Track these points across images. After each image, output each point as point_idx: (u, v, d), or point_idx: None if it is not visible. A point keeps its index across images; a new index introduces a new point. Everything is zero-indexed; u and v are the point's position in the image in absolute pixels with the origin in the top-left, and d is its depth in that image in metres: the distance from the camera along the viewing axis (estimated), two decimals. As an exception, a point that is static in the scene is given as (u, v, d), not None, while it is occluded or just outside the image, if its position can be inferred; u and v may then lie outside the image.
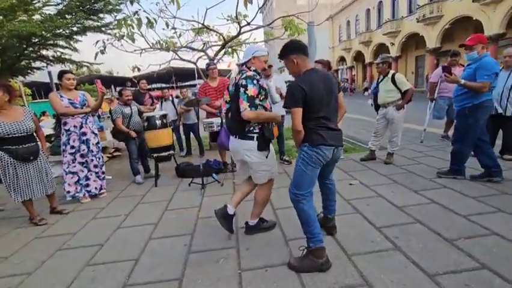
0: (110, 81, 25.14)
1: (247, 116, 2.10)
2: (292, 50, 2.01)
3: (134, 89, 6.34)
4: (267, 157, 2.27)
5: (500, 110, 3.92)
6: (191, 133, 5.85)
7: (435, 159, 4.30)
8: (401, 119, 4.18)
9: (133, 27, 5.47)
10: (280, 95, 4.06)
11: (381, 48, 24.46)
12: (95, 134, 3.80)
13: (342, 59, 34.17)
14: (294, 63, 2.00)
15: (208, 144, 6.08)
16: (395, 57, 22.50)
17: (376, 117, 4.45)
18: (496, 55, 14.29)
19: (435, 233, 2.30)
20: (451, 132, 4.64)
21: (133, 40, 5.54)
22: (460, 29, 17.01)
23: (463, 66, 4.51)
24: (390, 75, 4.11)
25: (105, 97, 6.38)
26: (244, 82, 2.13)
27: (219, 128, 4.01)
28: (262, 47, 2.32)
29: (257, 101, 2.15)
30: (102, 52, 6.05)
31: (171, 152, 4.30)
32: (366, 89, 22.68)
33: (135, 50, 6.64)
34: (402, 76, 4.17)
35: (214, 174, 4.05)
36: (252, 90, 2.10)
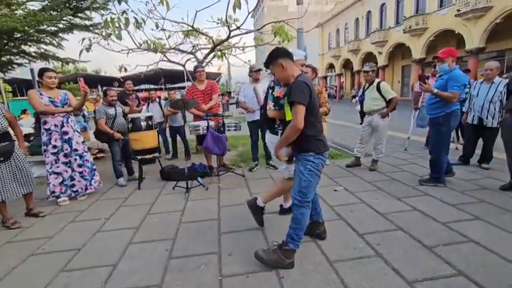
0: (96, 80, 24.64)
1: (270, 114, 2.32)
2: (279, 55, 2.04)
3: (120, 89, 6.21)
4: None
5: (485, 120, 4.06)
6: (177, 135, 5.78)
7: (419, 167, 4.40)
8: (385, 126, 4.27)
9: (120, 27, 5.36)
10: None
11: (369, 57, 25.02)
12: (79, 133, 3.68)
13: (331, 66, 34.72)
14: (283, 67, 2.01)
15: (195, 147, 6.01)
16: (382, 66, 23.11)
17: (362, 125, 4.53)
18: (476, 68, 14.88)
19: (415, 240, 2.33)
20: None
21: (120, 38, 5.42)
22: (443, 41, 17.60)
23: None
24: (375, 84, 4.19)
25: (90, 97, 6.22)
26: (272, 84, 2.32)
27: (205, 131, 3.98)
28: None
29: (282, 101, 2.24)
30: (87, 50, 5.90)
31: (156, 154, 4.22)
32: (354, 96, 23.13)
33: (122, 50, 6.51)
34: (387, 85, 4.26)
35: (199, 178, 4.00)
36: (278, 91, 2.27)
